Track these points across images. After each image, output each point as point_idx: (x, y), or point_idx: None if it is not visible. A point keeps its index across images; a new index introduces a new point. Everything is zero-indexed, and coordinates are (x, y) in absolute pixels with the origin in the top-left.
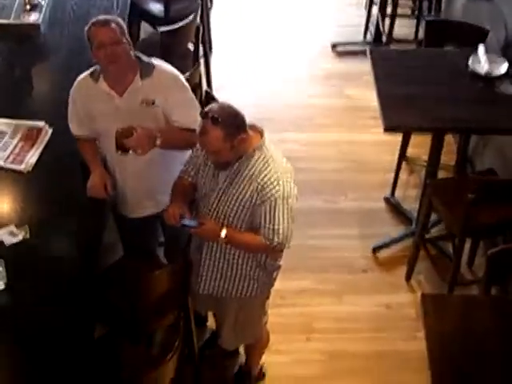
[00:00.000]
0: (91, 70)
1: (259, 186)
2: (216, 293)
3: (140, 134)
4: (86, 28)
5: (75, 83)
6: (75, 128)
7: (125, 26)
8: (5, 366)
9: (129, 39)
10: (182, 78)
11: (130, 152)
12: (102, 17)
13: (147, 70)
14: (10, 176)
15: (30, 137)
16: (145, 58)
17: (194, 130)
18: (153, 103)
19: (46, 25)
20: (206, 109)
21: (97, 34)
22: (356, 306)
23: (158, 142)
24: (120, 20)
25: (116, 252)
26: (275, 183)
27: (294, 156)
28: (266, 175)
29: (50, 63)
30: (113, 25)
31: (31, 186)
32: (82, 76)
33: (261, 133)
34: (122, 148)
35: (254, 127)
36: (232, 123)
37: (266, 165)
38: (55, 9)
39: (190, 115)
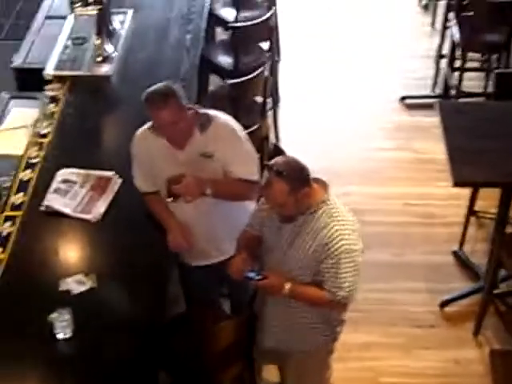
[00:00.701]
0: (150, 123)
1: (323, 241)
2: (280, 347)
3: (189, 180)
4: (143, 100)
5: (134, 138)
6: (141, 184)
7: (181, 93)
8: None
9: (186, 104)
10: (239, 129)
11: (180, 199)
12: (158, 93)
13: (205, 123)
14: (78, 225)
15: (100, 187)
16: (202, 111)
17: (250, 182)
18: (211, 156)
19: (117, 77)
20: (271, 162)
21: (155, 116)
22: (424, 361)
23: (209, 191)
24: (176, 89)
25: (179, 304)
26: (340, 238)
27: (360, 209)
28: (330, 230)
29: (120, 114)
30: (170, 103)
31: (99, 235)
32: (140, 130)
33: (325, 187)
34: (171, 194)
35: (318, 181)
36: (296, 177)
37: (331, 219)
38: (126, 61)
39: (245, 167)
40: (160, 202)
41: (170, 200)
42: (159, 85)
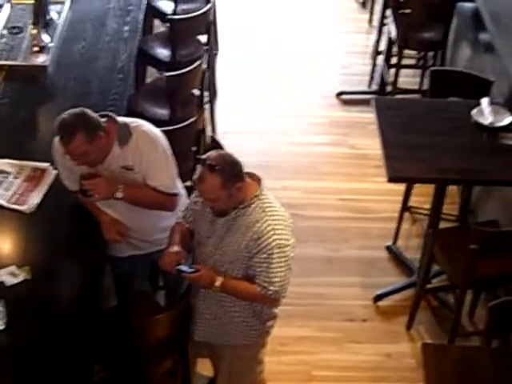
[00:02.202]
0: None
1: (255, 235)
2: (211, 340)
3: (100, 180)
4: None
5: (53, 145)
6: (69, 184)
7: (93, 120)
8: None
9: (96, 125)
10: (160, 139)
11: (89, 195)
12: (66, 124)
13: (125, 137)
14: (12, 216)
15: (34, 178)
16: (120, 122)
17: (166, 194)
18: (132, 169)
19: (54, 67)
20: (204, 156)
21: (65, 150)
22: (356, 355)
23: (120, 194)
24: (86, 118)
25: (112, 297)
26: (272, 232)
27: (296, 203)
28: (262, 224)
29: (56, 105)
30: (77, 137)
31: (33, 226)
32: (57, 138)
33: (259, 181)
34: (81, 190)
35: (252, 175)
36: (230, 171)
37: (263, 214)
38: (63, 51)
39: (162, 179)
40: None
41: (80, 197)
42: (70, 113)
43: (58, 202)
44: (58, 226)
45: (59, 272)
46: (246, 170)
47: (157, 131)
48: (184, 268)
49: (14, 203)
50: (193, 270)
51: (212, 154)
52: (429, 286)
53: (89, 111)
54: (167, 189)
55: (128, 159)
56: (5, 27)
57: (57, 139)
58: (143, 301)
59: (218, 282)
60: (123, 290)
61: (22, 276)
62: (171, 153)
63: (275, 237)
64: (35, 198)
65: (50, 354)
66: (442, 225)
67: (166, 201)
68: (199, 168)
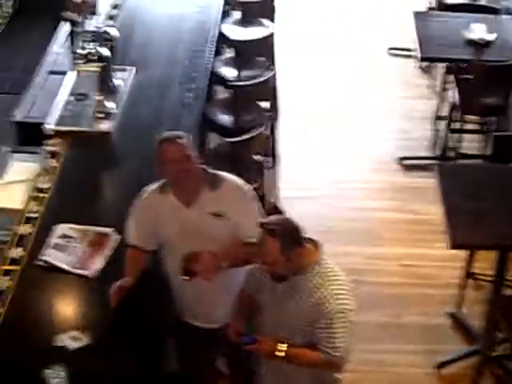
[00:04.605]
0: (159, 183)
1: (317, 301)
2: None
3: (206, 258)
4: (157, 144)
5: (141, 198)
6: (134, 236)
7: (191, 141)
8: None
9: (197, 155)
10: (250, 190)
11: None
12: (171, 133)
13: (215, 182)
14: (75, 281)
15: (97, 243)
16: (210, 170)
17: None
18: (222, 215)
19: (118, 133)
20: (265, 220)
21: (168, 150)
22: None
23: (224, 264)
24: (187, 135)
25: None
26: (334, 298)
27: (356, 269)
28: (324, 290)
29: (120, 171)
30: (183, 140)
31: (96, 291)
32: (146, 191)
33: (318, 247)
34: (187, 272)
35: (311, 241)
36: (289, 236)
37: (325, 279)
38: (127, 118)
39: (251, 227)
40: (139, 258)
41: (186, 278)
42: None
43: (121, 267)
44: None
45: (121, 337)
46: (306, 235)
47: (245, 183)
48: (246, 339)
49: (78, 268)
50: (254, 339)
51: (272, 218)
52: (493, 353)
53: None
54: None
55: (219, 205)
56: (70, 94)
57: (147, 190)
58: (206, 367)
59: (282, 352)
60: (188, 357)
61: (83, 341)
62: None
63: (337, 302)
64: (98, 263)
65: None
66: (506, 292)
67: None
68: (259, 232)
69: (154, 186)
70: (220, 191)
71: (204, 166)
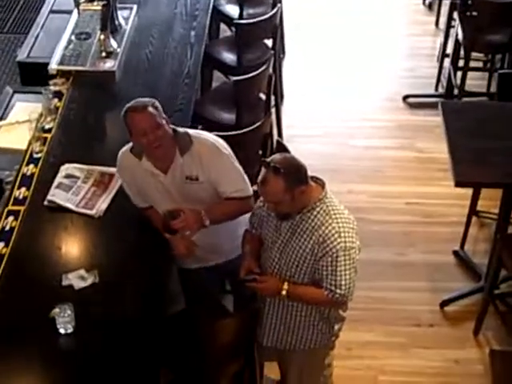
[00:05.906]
0: (130, 145)
1: (320, 239)
2: (280, 345)
3: (187, 215)
4: (123, 113)
5: (118, 161)
6: (136, 201)
7: (160, 106)
8: None
9: (166, 117)
10: (221, 145)
11: (178, 234)
12: (137, 102)
13: (185, 145)
14: (81, 220)
15: (102, 182)
16: (180, 131)
17: (243, 198)
18: (197, 179)
19: (121, 72)
20: (269, 159)
21: (136, 121)
22: (423, 361)
23: (207, 222)
24: (155, 101)
25: (179, 303)
26: (336, 235)
27: (361, 207)
28: (327, 227)
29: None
30: (150, 109)
31: (101, 231)
32: (121, 153)
33: (323, 185)
34: (168, 230)
35: (316, 179)
36: (294, 174)
37: (328, 217)
38: (130, 56)
39: (235, 185)
40: (154, 214)
41: (168, 236)
42: (138, 99)
43: (126, 207)
44: (125, 231)
45: (127, 276)
46: (310, 173)
47: (218, 138)
48: (251, 277)
49: (83, 207)
50: (255, 277)
51: (276, 156)
52: (497, 291)
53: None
54: (243, 193)
55: (191, 169)
56: (73, 33)
57: (122, 153)
58: (211, 305)
59: (284, 290)
60: (191, 294)
61: (90, 279)
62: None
63: (340, 239)
64: (103, 203)
65: (117, 357)
66: (511, 229)
67: (245, 205)
68: (263, 171)
69: (127, 148)
70: (191, 154)
71: (174, 127)
